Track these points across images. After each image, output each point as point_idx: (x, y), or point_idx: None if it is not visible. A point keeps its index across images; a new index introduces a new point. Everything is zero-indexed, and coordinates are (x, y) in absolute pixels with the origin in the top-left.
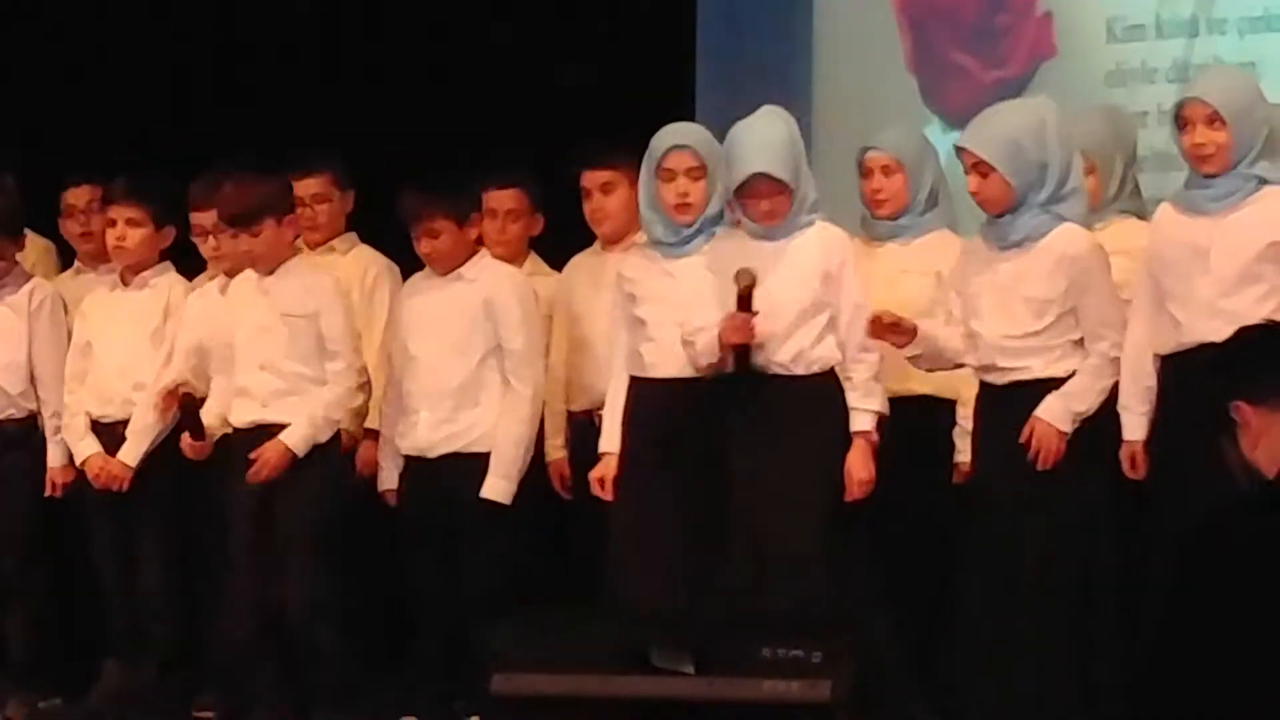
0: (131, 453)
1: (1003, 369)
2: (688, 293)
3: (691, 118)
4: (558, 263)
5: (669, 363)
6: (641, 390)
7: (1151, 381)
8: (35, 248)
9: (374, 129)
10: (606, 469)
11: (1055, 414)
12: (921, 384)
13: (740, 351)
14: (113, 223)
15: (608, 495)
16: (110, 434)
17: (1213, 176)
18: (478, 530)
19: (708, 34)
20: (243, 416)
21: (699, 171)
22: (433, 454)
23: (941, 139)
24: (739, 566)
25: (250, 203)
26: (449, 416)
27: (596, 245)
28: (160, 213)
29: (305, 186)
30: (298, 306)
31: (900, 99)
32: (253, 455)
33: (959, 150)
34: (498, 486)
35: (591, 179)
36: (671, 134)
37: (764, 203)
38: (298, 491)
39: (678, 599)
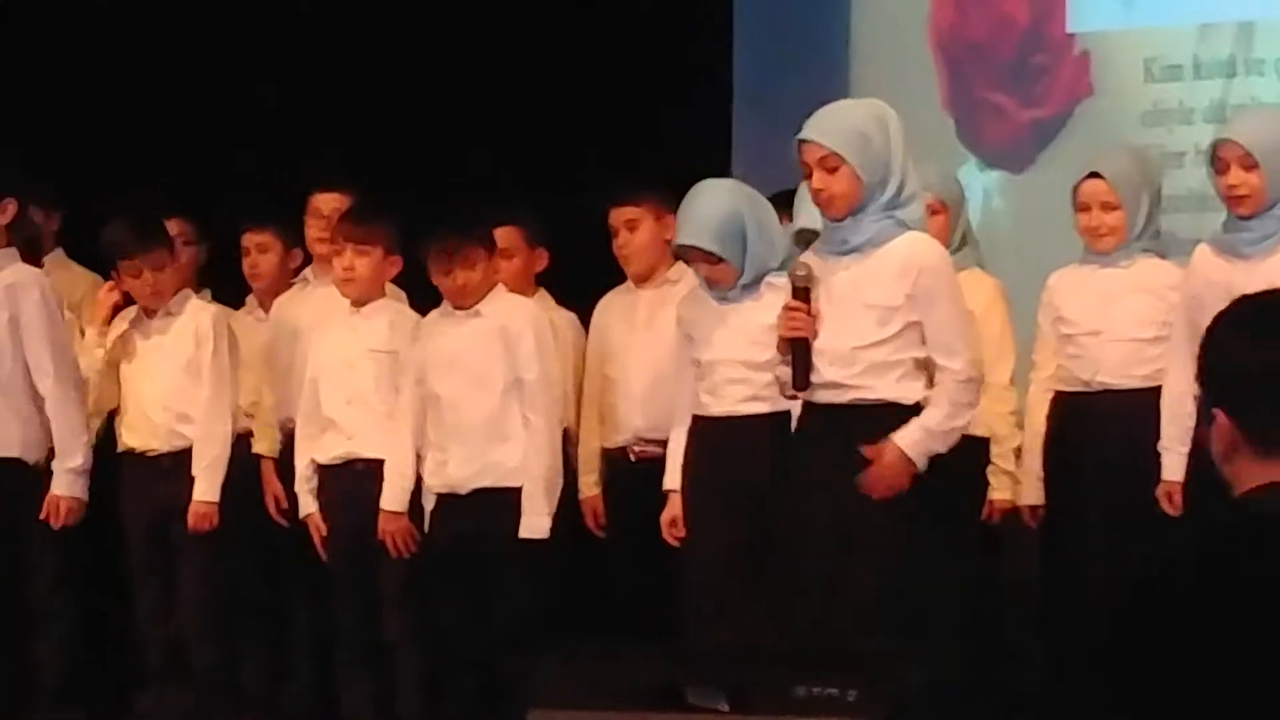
0: (209, 489)
1: (843, 386)
2: (740, 333)
3: (728, 159)
4: (594, 299)
5: (723, 401)
6: (699, 428)
7: (1191, 422)
8: (82, 281)
9: (386, 157)
10: (674, 509)
11: (915, 446)
12: None
13: (798, 347)
14: (137, 273)
15: (680, 532)
16: (154, 468)
17: (1248, 218)
18: (510, 565)
19: (744, 74)
20: (330, 451)
21: (830, 160)
22: (464, 490)
23: (978, 177)
24: (802, 608)
25: (374, 226)
26: (478, 452)
27: (628, 282)
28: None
29: (327, 201)
30: (384, 343)
31: (936, 138)
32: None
33: (799, 145)
34: (534, 524)
35: (617, 216)
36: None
37: (702, 268)
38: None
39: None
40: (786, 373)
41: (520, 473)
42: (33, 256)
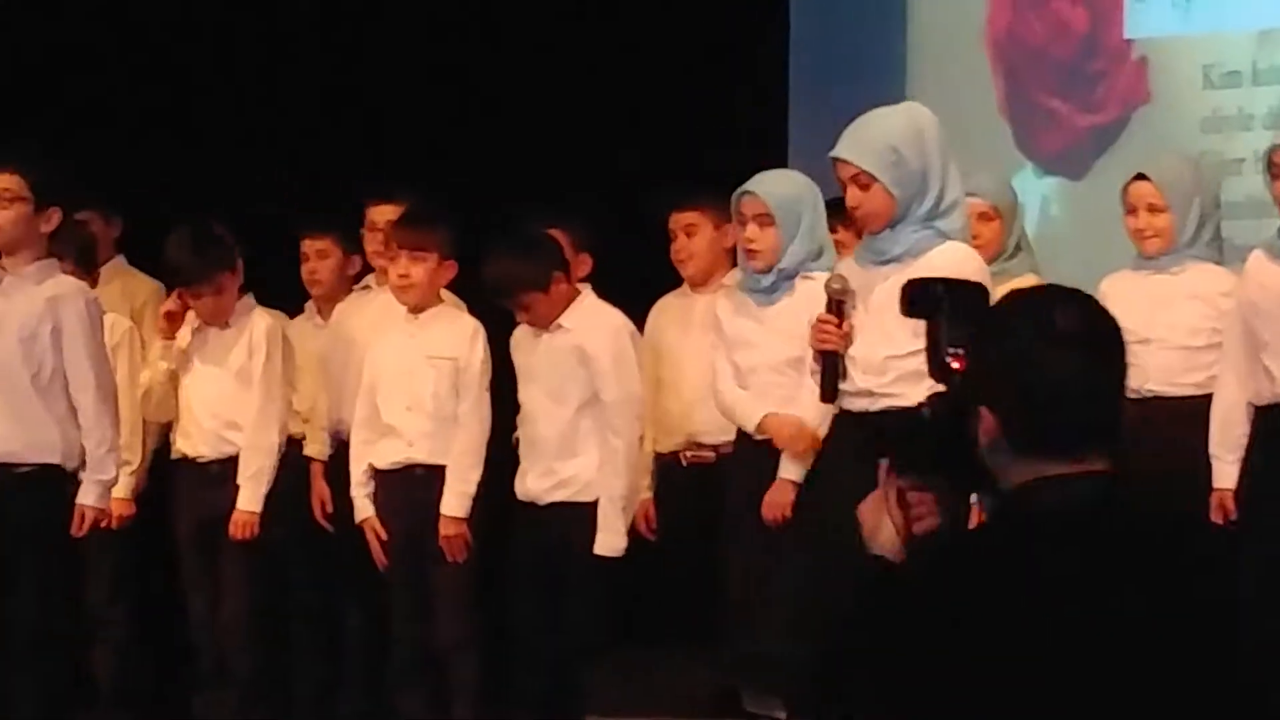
0: (253, 498)
1: (875, 394)
2: (778, 334)
3: (784, 163)
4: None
5: (765, 402)
6: (740, 433)
7: (1243, 429)
8: (144, 288)
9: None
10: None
11: None
12: None
13: (828, 359)
14: (198, 295)
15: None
16: (203, 474)
17: None
18: (581, 578)
19: (800, 79)
20: (389, 456)
21: (766, 219)
22: (541, 502)
23: (1035, 184)
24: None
25: (428, 231)
26: (550, 467)
27: (684, 286)
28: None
29: (382, 213)
30: (443, 349)
31: (993, 144)
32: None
33: (834, 162)
34: (610, 542)
35: (676, 220)
36: (750, 181)
37: (751, 228)
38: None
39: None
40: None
41: (593, 488)
42: (87, 265)
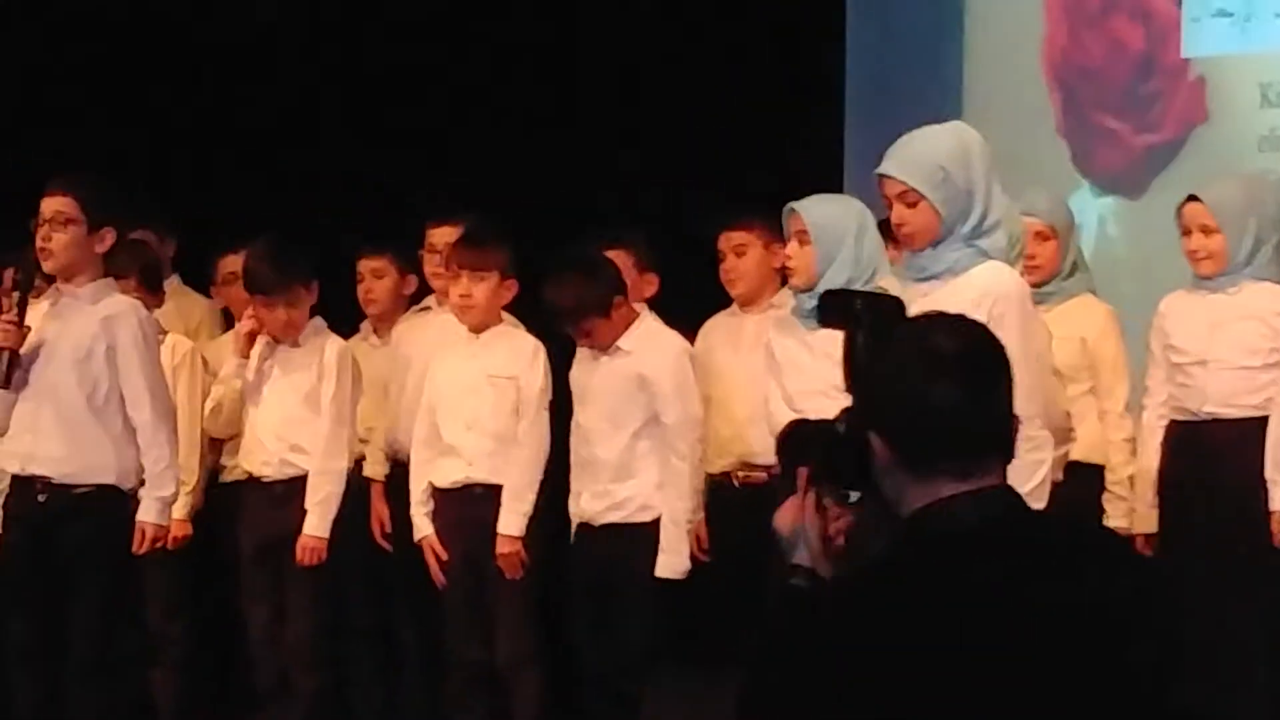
0: (321, 525)
1: None
2: (824, 361)
3: (841, 182)
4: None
5: None
6: None
7: None
8: (198, 308)
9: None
10: None
11: None
12: (1072, 449)
13: None
14: (271, 307)
15: None
16: (267, 494)
17: None
18: (636, 598)
19: (857, 100)
20: (449, 476)
21: (805, 237)
22: (597, 523)
23: (1093, 203)
24: None
25: (488, 251)
26: (606, 488)
27: (734, 306)
28: (306, 279)
29: (441, 234)
30: (503, 368)
31: (1050, 164)
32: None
33: (880, 179)
34: (672, 564)
35: (725, 240)
36: (799, 200)
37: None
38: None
39: None
40: None
41: (649, 508)
42: (151, 285)
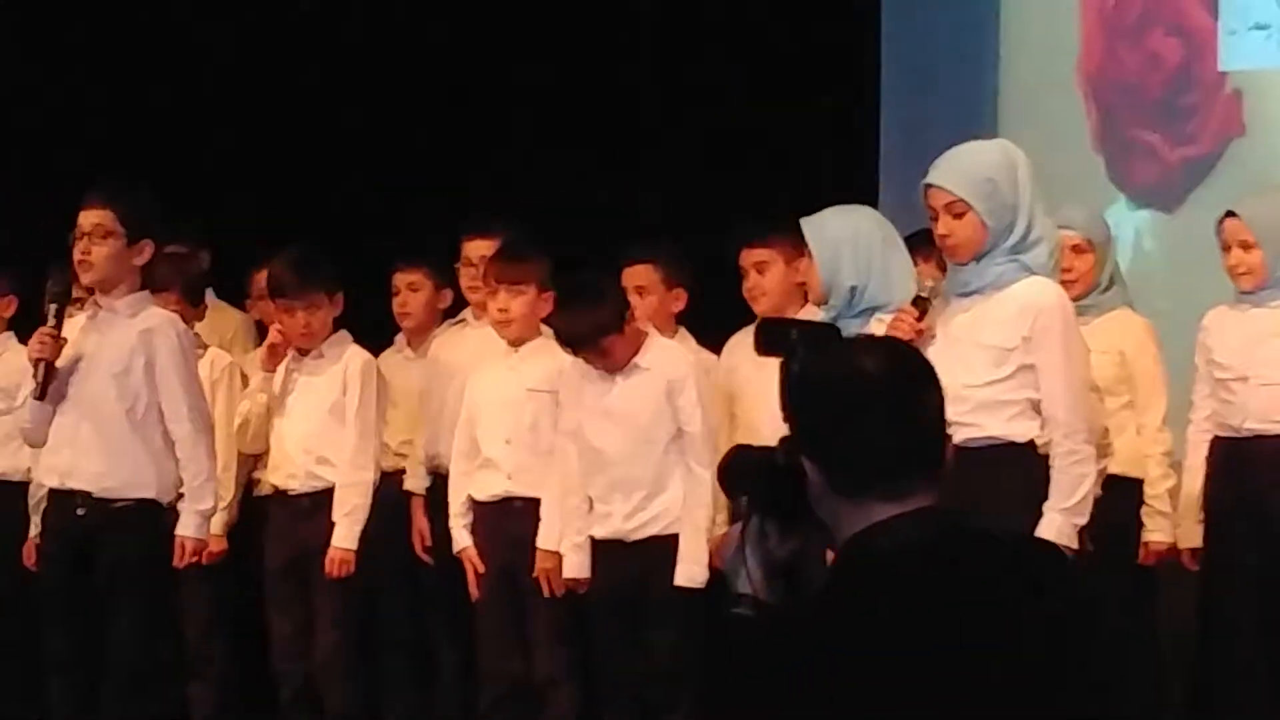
0: (349, 536)
1: (955, 424)
2: None
3: (876, 196)
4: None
5: None
6: None
7: None
8: (233, 321)
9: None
10: None
11: (1063, 534)
12: (1110, 463)
13: None
14: (291, 311)
15: None
16: (294, 508)
17: None
18: (666, 609)
19: (892, 116)
20: (487, 489)
21: (809, 254)
22: (631, 538)
23: (1129, 217)
24: None
25: (525, 264)
26: (641, 505)
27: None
28: (332, 287)
29: (477, 248)
30: (542, 382)
31: (1085, 177)
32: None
33: (926, 189)
34: (692, 573)
35: (747, 257)
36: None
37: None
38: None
39: None
40: None
41: (679, 520)
42: (193, 299)
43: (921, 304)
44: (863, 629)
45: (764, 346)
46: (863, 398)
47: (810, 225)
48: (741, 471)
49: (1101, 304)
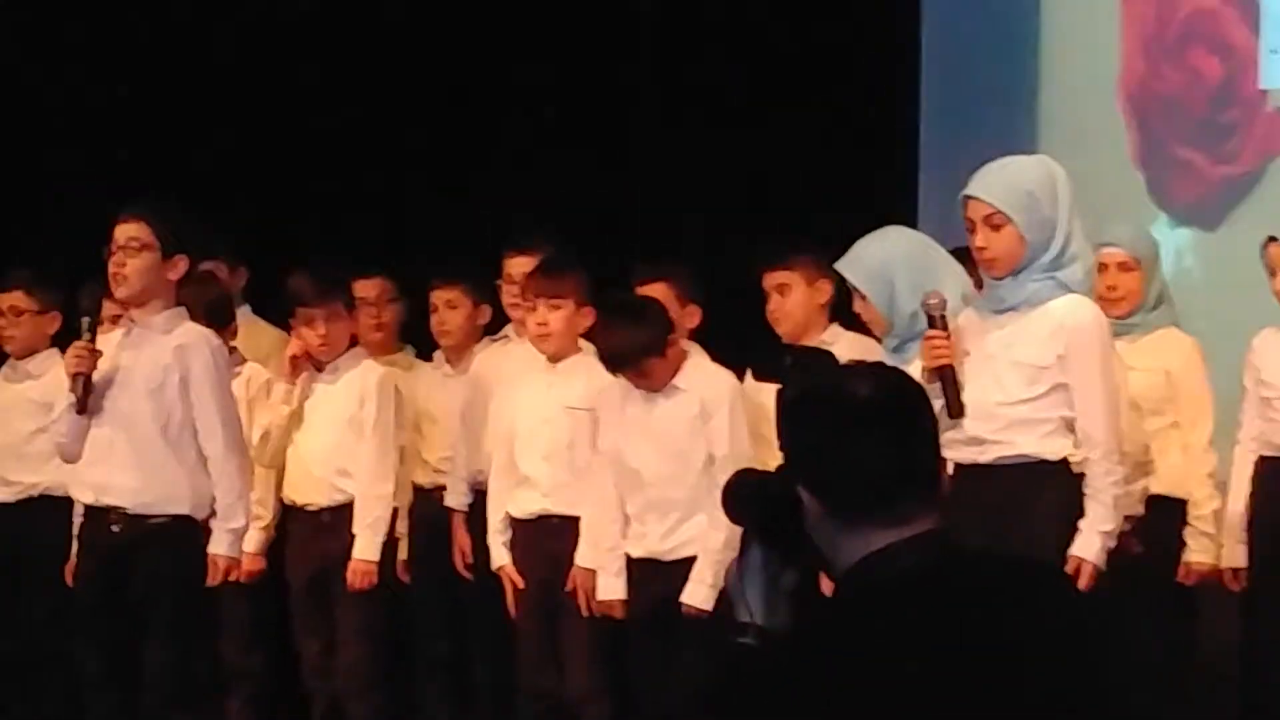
0: (370, 547)
1: (988, 442)
2: None
3: (915, 214)
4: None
5: None
6: None
7: None
8: (268, 338)
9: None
10: None
11: (1102, 553)
12: (1154, 483)
13: (946, 375)
14: (310, 321)
15: None
16: (314, 522)
17: None
18: (698, 629)
19: (931, 133)
20: (525, 506)
21: (859, 294)
22: (665, 559)
23: (1169, 235)
24: None
25: (564, 279)
26: (676, 526)
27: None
28: (350, 301)
29: (519, 264)
30: (581, 399)
31: (1125, 194)
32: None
33: (965, 200)
34: (701, 594)
35: (769, 280)
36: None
37: (857, 302)
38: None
39: None
40: (939, 405)
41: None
42: (220, 320)
43: (939, 322)
44: (864, 659)
45: (758, 373)
46: (855, 422)
47: (849, 265)
48: (741, 498)
49: (1149, 322)
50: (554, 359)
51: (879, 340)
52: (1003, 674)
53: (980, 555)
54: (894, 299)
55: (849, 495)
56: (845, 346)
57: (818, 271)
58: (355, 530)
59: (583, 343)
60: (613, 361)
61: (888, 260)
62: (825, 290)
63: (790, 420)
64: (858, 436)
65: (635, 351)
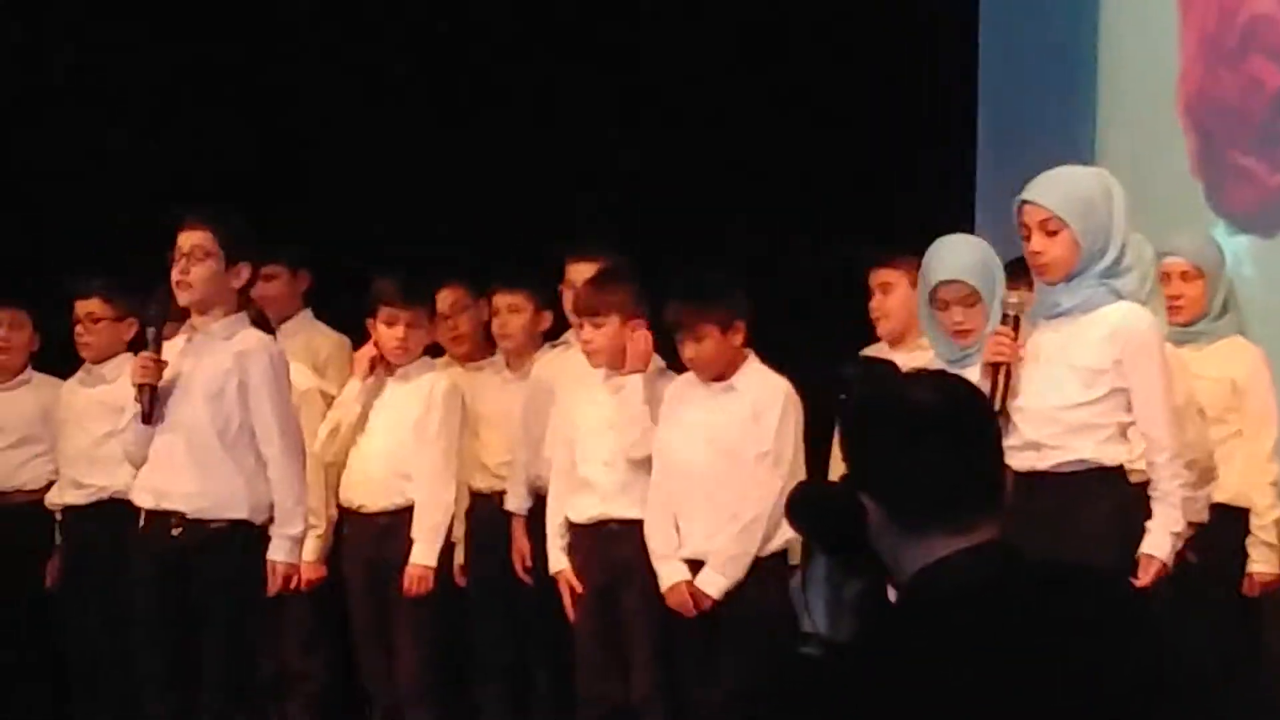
0: (428, 553)
1: (1044, 447)
2: None
3: (973, 220)
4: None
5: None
6: None
7: None
8: (329, 343)
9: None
10: None
11: (1170, 551)
12: (1217, 492)
13: (1000, 371)
14: (392, 322)
15: None
16: (372, 525)
17: None
18: (741, 629)
19: (989, 142)
20: (585, 511)
21: (973, 298)
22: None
23: (1227, 242)
24: None
25: (606, 296)
26: (722, 526)
27: (881, 343)
28: (433, 311)
29: (580, 270)
30: (642, 405)
31: (1184, 202)
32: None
33: (1021, 206)
34: (716, 583)
35: (873, 278)
36: (942, 267)
37: (956, 312)
38: (643, 588)
39: None
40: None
41: (769, 540)
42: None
43: (1011, 321)
44: (927, 670)
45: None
46: (918, 430)
47: (969, 276)
48: (805, 506)
49: (1214, 330)
50: (609, 369)
51: None
52: (1064, 686)
53: (1043, 565)
54: (988, 314)
55: (912, 502)
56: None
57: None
58: (414, 535)
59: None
60: (687, 304)
61: (989, 260)
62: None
63: (854, 428)
64: (922, 444)
65: (710, 301)
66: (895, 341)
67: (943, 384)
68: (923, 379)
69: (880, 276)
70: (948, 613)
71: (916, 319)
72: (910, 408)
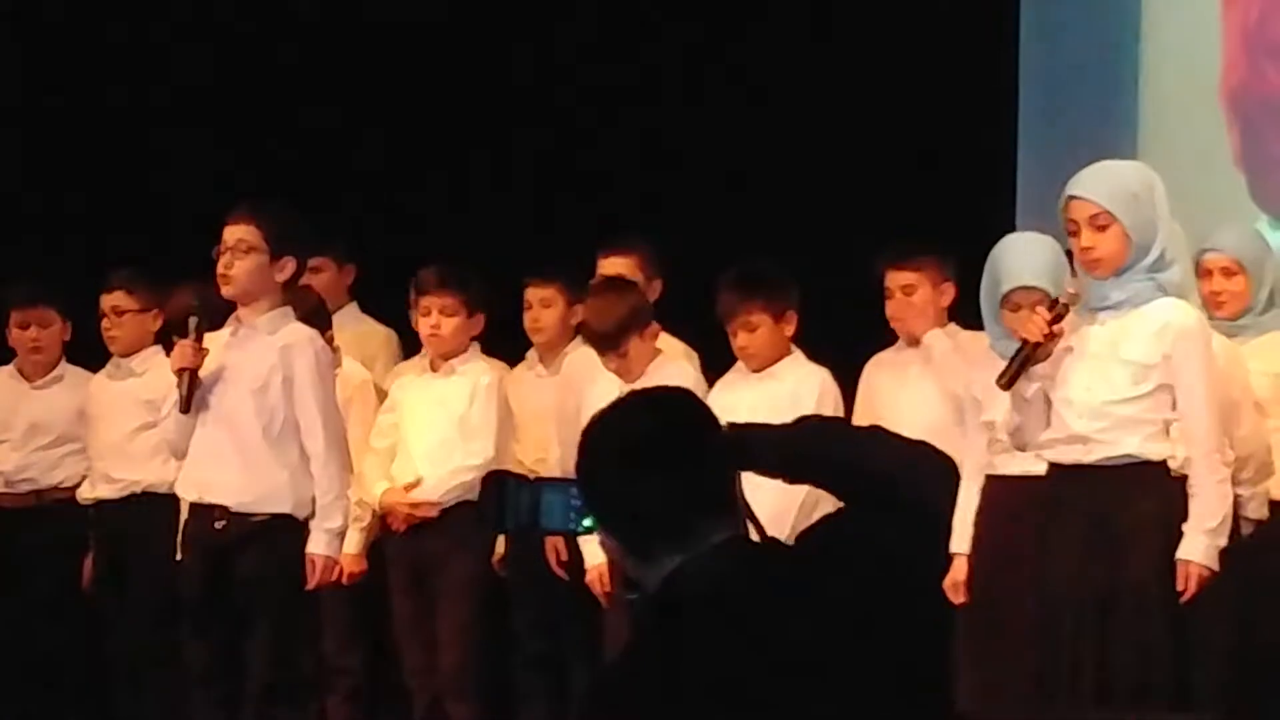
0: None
1: (1091, 440)
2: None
3: (1014, 214)
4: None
5: (1009, 462)
6: (991, 488)
7: None
8: (376, 336)
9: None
10: (958, 573)
11: (1209, 554)
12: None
13: (1024, 350)
14: (427, 311)
15: (961, 598)
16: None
17: None
18: None
19: (1030, 137)
20: None
21: (1047, 301)
22: None
23: (1270, 237)
24: (1085, 669)
25: (614, 321)
26: (767, 522)
27: (900, 342)
28: (473, 300)
29: (612, 265)
30: None
31: (1227, 196)
32: None
33: (1068, 201)
34: None
35: (894, 279)
36: (1017, 271)
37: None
38: None
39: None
40: (1012, 422)
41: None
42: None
43: (1059, 309)
44: (680, 675)
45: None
46: (630, 461)
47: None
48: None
49: (1261, 324)
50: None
51: None
52: (809, 657)
53: (775, 546)
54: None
55: (634, 531)
56: (967, 347)
57: (942, 274)
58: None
59: (675, 343)
60: (739, 287)
61: (1060, 258)
62: (949, 293)
63: (595, 466)
64: (634, 474)
65: (766, 285)
66: (915, 342)
67: (653, 404)
68: (634, 404)
69: (902, 278)
70: (688, 618)
71: (937, 319)
72: (621, 438)
